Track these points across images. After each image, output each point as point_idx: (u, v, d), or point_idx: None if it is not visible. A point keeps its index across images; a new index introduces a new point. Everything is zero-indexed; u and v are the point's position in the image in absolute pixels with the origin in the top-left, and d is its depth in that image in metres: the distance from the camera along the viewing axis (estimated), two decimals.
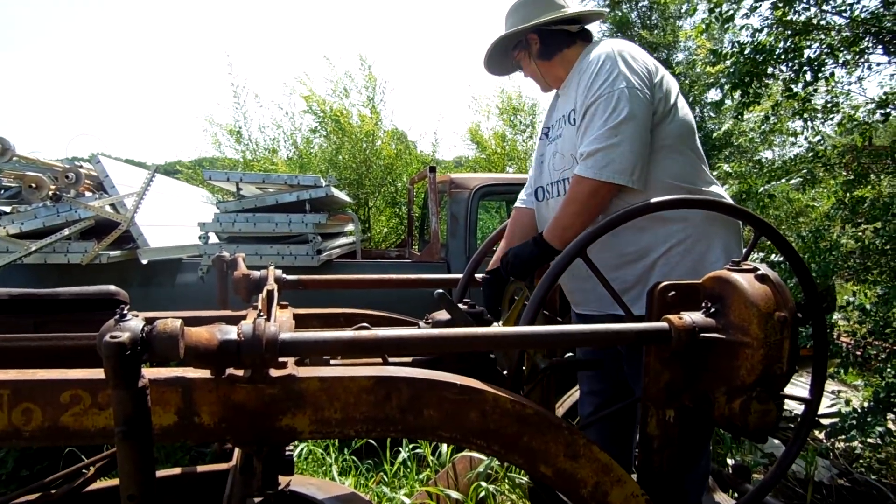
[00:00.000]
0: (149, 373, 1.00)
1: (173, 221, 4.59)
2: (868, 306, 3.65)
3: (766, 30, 4.35)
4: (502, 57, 2.24)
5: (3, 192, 4.11)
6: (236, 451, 1.82)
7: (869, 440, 3.42)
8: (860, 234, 3.97)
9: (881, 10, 3.82)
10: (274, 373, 1.07)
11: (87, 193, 3.96)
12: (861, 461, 3.55)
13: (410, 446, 3.28)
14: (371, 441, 3.31)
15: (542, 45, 2.10)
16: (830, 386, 4.84)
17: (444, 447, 3.22)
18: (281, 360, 1.09)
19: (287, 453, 1.33)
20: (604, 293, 1.57)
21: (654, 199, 1.60)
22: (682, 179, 1.89)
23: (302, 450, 3.29)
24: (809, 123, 4.42)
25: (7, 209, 3.75)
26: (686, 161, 1.91)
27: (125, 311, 0.84)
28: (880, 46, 3.89)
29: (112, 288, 1.44)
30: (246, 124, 9.75)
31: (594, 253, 1.63)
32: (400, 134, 9.85)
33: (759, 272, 1.31)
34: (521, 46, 2.13)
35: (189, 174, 10.39)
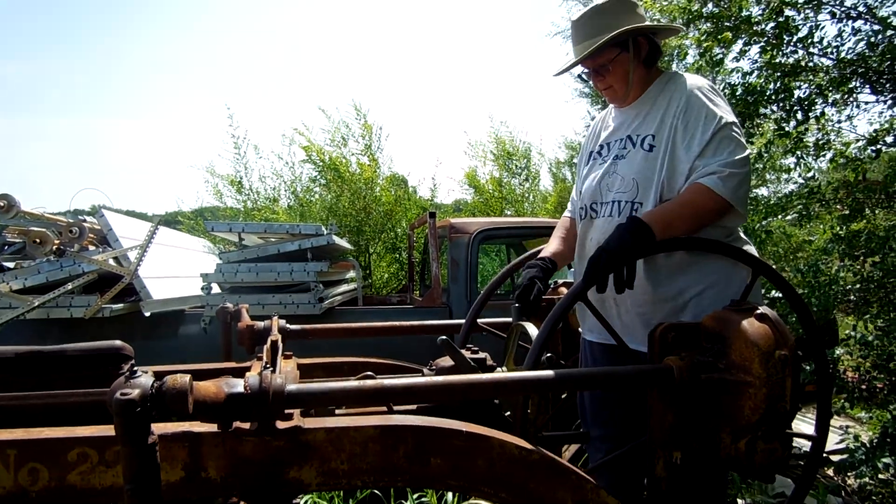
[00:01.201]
0: (156, 428, 1.01)
1: (176, 273, 4.62)
2: (870, 339, 3.65)
3: (756, 72, 4.46)
4: (581, 50, 2.01)
5: (7, 248, 4.15)
6: None
7: (880, 476, 3.37)
8: (858, 267, 3.99)
9: (866, 51, 3.92)
10: (280, 425, 1.08)
11: (91, 247, 4.00)
12: (873, 498, 3.49)
13: (416, 496, 3.23)
14: (376, 491, 3.26)
15: (650, 51, 2.01)
16: (839, 421, 4.78)
17: (451, 496, 3.17)
18: (287, 412, 1.10)
19: None
20: (630, 324, 1.59)
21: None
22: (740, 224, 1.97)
23: (307, 501, 3.24)
24: (802, 161, 4.48)
25: (11, 265, 3.78)
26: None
27: (135, 369, 0.85)
28: (867, 86, 3.98)
29: (118, 343, 1.45)
30: (247, 174, 9.87)
31: (627, 292, 1.68)
32: (399, 179, 9.95)
33: (758, 311, 1.32)
34: (625, 47, 1.97)
35: (191, 225, 10.45)
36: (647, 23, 2.01)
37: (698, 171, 1.79)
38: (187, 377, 0.88)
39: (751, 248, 1.93)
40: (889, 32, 3.82)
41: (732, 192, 1.75)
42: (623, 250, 1.65)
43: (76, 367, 1.42)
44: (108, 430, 1.00)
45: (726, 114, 1.86)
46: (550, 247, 2.25)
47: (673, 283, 1.86)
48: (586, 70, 2.06)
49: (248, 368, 1.67)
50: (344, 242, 5.46)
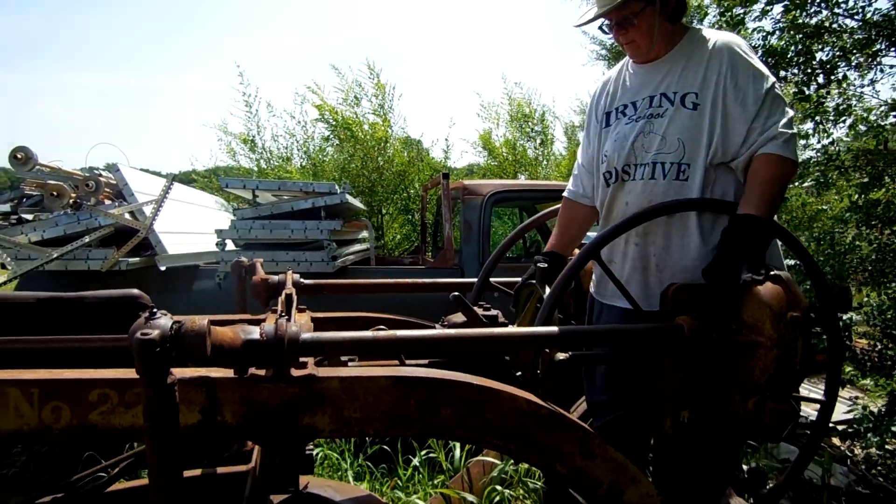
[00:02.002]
0: (174, 373, 1.03)
1: (190, 228, 4.66)
2: (884, 307, 3.63)
3: (777, 33, 4.35)
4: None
5: (25, 200, 4.19)
6: (255, 452, 1.85)
7: (887, 446, 3.39)
8: (876, 234, 3.95)
9: (893, 12, 3.81)
10: (295, 372, 1.10)
11: (107, 202, 4.03)
12: (879, 467, 3.52)
13: (423, 451, 3.29)
14: (385, 447, 3.33)
15: (676, 6, 1.92)
16: (848, 392, 4.80)
17: (458, 452, 3.23)
18: (301, 360, 1.12)
19: (307, 452, 1.36)
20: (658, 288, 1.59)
21: (662, 203, 1.66)
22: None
23: (317, 455, 3.31)
24: (821, 126, 4.40)
25: (30, 217, 3.82)
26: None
27: (155, 310, 0.86)
28: (893, 49, 3.88)
29: (135, 291, 1.47)
30: (259, 133, 9.85)
31: (673, 257, 1.71)
32: (413, 141, 9.89)
33: (771, 273, 1.32)
34: (651, 2, 1.88)
35: (204, 183, 10.48)
36: None
37: (759, 136, 1.76)
38: (205, 321, 0.89)
39: None
40: None
41: (794, 153, 1.75)
42: (750, 250, 1.60)
43: (95, 314, 1.46)
44: (127, 373, 1.03)
45: (769, 73, 1.82)
46: (552, 240, 2.21)
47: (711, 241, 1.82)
48: (608, 22, 1.98)
49: (264, 320, 1.69)
50: (357, 202, 5.46)
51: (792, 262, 3.49)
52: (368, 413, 1.14)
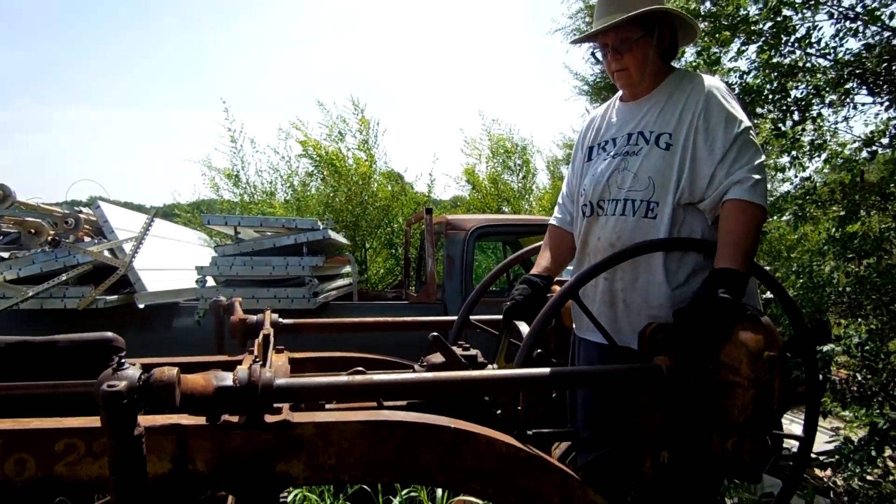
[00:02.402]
0: (143, 420, 1.01)
1: (171, 265, 4.61)
2: (863, 338, 3.67)
3: (753, 72, 4.47)
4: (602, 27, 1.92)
5: (2, 237, 4.14)
6: (230, 497, 1.81)
7: (868, 476, 3.39)
8: (853, 267, 4.00)
9: (863, 52, 3.93)
10: (269, 418, 1.08)
11: (86, 238, 3.99)
12: (861, 498, 3.51)
13: (405, 491, 3.24)
14: (365, 487, 3.27)
15: (670, 43, 1.96)
16: (830, 423, 4.81)
17: (440, 492, 3.18)
18: (276, 405, 1.10)
19: (281, 499, 1.33)
20: (639, 325, 1.59)
21: (647, 241, 1.67)
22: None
23: (296, 495, 3.25)
24: (798, 161, 4.50)
25: (5, 255, 3.77)
26: None
27: (123, 361, 0.85)
28: (864, 87, 3.99)
29: (109, 334, 1.44)
30: (244, 168, 9.85)
31: (639, 294, 1.72)
32: (396, 175, 9.94)
33: (748, 313, 1.33)
34: (650, 31, 1.89)
35: (187, 217, 10.42)
36: (679, 11, 1.95)
37: (724, 179, 1.77)
38: (175, 370, 0.88)
39: None
40: (887, 34, 3.83)
41: (763, 197, 1.75)
42: (732, 310, 1.52)
43: (66, 359, 1.42)
44: (95, 422, 1.00)
45: (744, 117, 1.84)
46: (542, 262, 2.20)
47: (688, 286, 1.83)
48: (603, 45, 1.98)
49: (240, 362, 1.67)
50: (340, 237, 5.45)
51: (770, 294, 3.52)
52: (344, 459, 1.12)
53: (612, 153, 2.00)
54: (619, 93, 2.13)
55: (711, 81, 1.92)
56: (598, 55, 2.05)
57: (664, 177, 1.85)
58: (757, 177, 1.75)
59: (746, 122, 1.83)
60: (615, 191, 1.94)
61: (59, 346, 1.42)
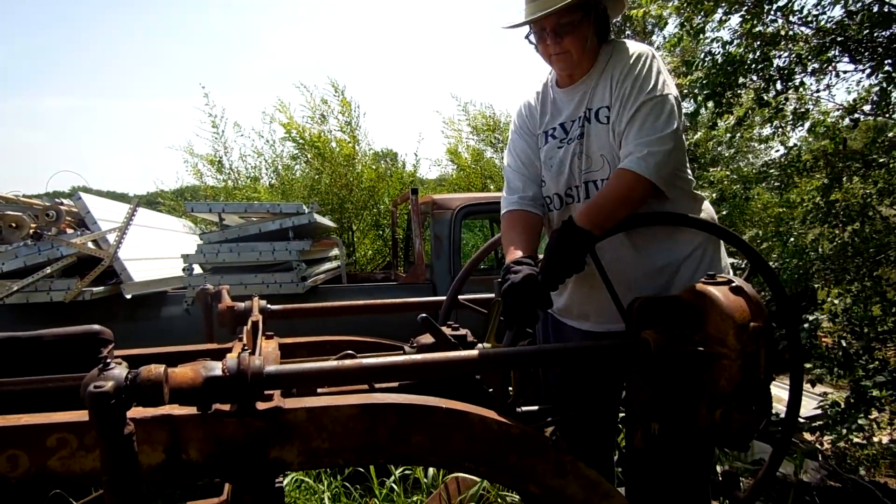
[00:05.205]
0: (135, 412, 1.01)
1: (156, 254, 4.58)
2: (847, 302, 3.73)
3: (735, 41, 4.46)
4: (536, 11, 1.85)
5: None
6: (226, 485, 1.82)
7: (855, 439, 3.47)
8: (837, 232, 4.05)
9: (845, 19, 3.93)
10: (261, 406, 1.08)
11: (69, 230, 3.94)
12: (849, 461, 3.59)
13: (400, 469, 3.27)
14: (359, 468, 3.30)
15: (602, 24, 1.91)
16: (818, 388, 4.89)
17: (433, 469, 3.21)
18: (267, 392, 1.10)
19: (276, 485, 1.34)
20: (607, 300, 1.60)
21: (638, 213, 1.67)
22: (692, 187, 1.92)
23: (293, 479, 3.27)
24: (781, 130, 4.52)
25: None
26: (689, 171, 1.94)
27: (108, 360, 0.84)
28: (846, 55, 3.99)
29: (96, 327, 1.44)
30: (227, 153, 9.75)
31: (624, 270, 1.70)
32: (386, 153, 9.89)
33: (733, 284, 1.34)
34: (589, 13, 1.85)
35: (171, 205, 10.32)
36: None
37: (628, 146, 1.74)
38: (161, 367, 0.87)
39: (705, 214, 1.92)
40: (868, 0, 3.83)
41: (655, 171, 1.70)
42: (570, 261, 1.63)
43: (55, 353, 1.42)
44: (86, 416, 1.00)
45: (660, 83, 1.78)
46: (522, 249, 1.96)
47: (668, 253, 1.84)
48: (540, 30, 1.90)
49: (230, 350, 1.67)
50: (326, 220, 5.43)
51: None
52: (337, 443, 1.13)
53: (565, 140, 1.95)
54: (550, 77, 2.06)
55: (636, 47, 1.88)
56: (533, 38, 1.95)
57: (612, 151, 1.83)
58: (650, 149, 1.70)
59: (660, 90, 1.77)
60: (578, 176, 1.92)
61: (45, 340, 1.42)
